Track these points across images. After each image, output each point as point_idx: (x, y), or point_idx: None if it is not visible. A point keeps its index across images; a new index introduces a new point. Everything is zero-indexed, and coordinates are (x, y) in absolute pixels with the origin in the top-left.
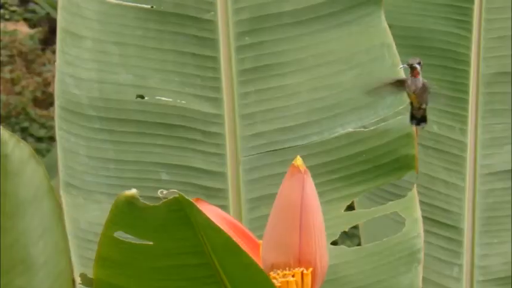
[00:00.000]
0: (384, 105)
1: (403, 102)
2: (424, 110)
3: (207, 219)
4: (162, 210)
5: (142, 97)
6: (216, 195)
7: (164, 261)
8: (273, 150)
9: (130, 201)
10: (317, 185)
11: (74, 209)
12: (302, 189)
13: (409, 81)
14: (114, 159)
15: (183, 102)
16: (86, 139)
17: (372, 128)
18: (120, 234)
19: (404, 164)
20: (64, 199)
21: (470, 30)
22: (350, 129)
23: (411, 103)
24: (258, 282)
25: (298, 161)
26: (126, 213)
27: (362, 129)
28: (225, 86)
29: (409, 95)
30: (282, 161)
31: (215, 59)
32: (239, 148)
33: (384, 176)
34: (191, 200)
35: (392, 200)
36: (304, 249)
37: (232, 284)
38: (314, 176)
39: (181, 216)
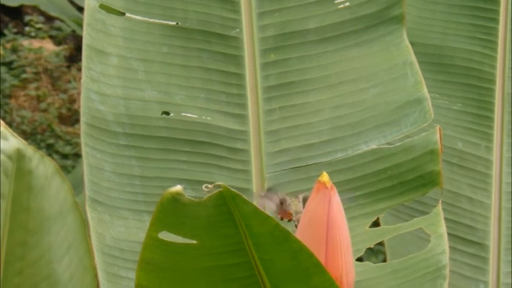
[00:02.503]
0: (407, 123)
1: (427, 119)
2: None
3: (254, 208)
4: (207, 206)
5: (167, 113)
6: None
7: (206, 262)
8: (297, 167)
9: (176, 198)
10: (342, 202)
11: (100, 225)
12: (328, 205)
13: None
14: (140, 176)
15: (209, 118)
16: (112, 155)
17: (396, 144)
18: (164, 235)
19: (429, 180)
20: (90, 215)
21: (495, 50)
22: (374, 146)
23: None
24: (307, 269)
25: (325, 177)
26: (171, 210)
27: (386, 146)
28: (251, 103)
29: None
30: (307, 178)
31: (240, 76)
32: (264, 165)
33: (408, 193)
34: (235, 192)
35: (416, 217)
36: (330, 265)
37: (273, 281)
38: (338, 193)
39: (225, 211)
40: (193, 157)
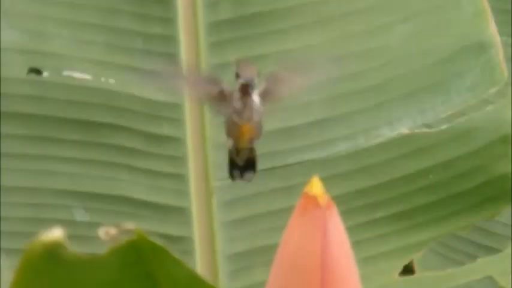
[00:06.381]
0: (461, 87)
1: (496, 81)
2: (253, 150)
3: (188, 272)
4: (109, 265)
5: (38, 72)
6: (173, 249)
7: None
8: (268, 169)
9: (53, 252)
10: (349, 230)
11: None
12: (323, 235)
13: (235, 102)
14: None
15: (112, 81)
16: None
17: (443, 127)
18: None
19: (501, 190)
20: None
21: None
22: (404, 130)
23: (234, 139)
24: None
25: (316, 185)
26: (45, 272)
27: (425, 129)
28: (185, 52)
29: (234, 125)
30: (285, 188)
31: (167, 3)
32: (210, 165)
33: (465, 213)
34: (157, 243)
35: (480, 256)
36: None
37: None
38: (343, 214)
39: (138, 274)
40: (84, 151)
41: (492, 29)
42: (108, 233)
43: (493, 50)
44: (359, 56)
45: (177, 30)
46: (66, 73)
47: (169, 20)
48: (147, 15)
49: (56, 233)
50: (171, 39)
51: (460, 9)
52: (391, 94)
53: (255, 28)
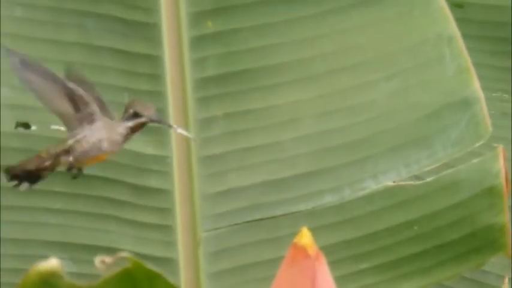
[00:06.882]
0: (446, 142)
1: (480, 135)
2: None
3: None
4: None
5: (27, 126)
6: None
7: None
8: (254, 221)
9: (49, 281)
10: (335, 280)
11: None
12: (312, 286)
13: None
14: None
15: None
16: None
17: (429, 179)
18: None
19: (487, 241)
20: None
21: None
22: (389, 183)
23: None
24: None
25: (305, 236)
26: None
27: (410, 181)
28: (173, 107)
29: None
30: (271, 240)
31: (155, 60)
32: (198, 216)
33: (451, 264)
34: (153, 270)
35: None
36: None
37: None
38: (329, 265)
39: None
40: (72, 203)
41: (476, 84)
42: (104, 262)
43: (478, 105)
44: (345, 111)
45: (164, 86)
46: (54, 127)
47: (157, 77)
48: (134, 72)
49: (52, 263)
50: (158, 94)
51: (444, 67)
52: (376, 148)
53: (242, 84)
